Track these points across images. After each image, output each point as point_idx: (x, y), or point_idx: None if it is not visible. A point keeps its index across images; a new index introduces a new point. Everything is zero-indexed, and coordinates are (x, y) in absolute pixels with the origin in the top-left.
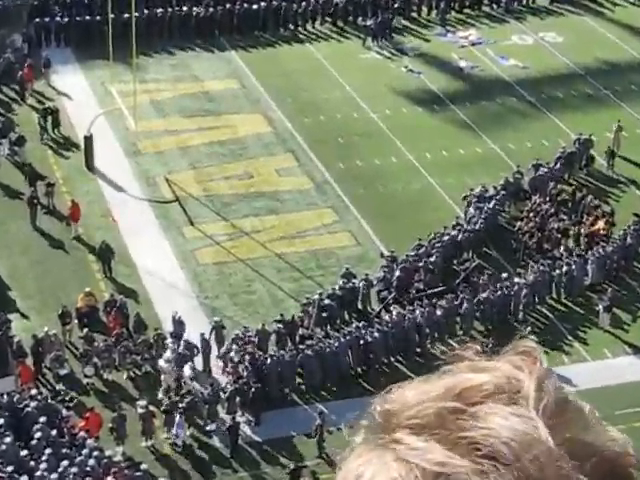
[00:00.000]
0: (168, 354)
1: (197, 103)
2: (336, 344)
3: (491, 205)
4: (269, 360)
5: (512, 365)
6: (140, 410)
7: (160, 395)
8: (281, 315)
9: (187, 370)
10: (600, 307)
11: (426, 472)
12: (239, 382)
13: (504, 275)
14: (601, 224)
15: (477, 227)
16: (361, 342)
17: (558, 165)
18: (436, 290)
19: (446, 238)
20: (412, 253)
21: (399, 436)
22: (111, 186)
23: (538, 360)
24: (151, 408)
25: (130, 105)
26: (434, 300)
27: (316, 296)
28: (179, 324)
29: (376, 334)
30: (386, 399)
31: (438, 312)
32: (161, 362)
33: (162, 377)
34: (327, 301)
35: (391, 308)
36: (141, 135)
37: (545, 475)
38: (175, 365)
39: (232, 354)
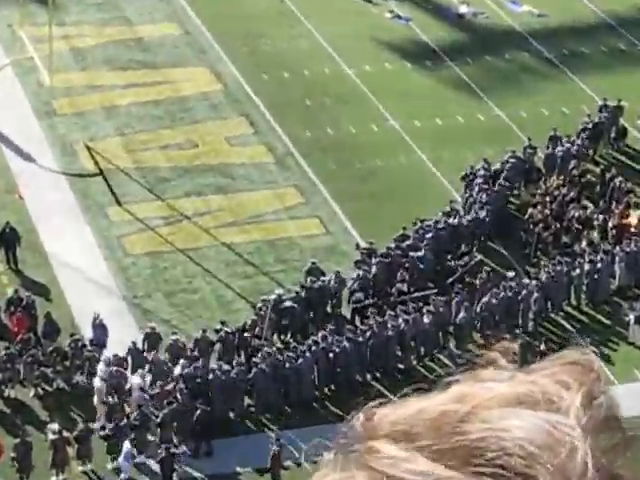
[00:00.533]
0: (102, 368)
1: (128, 53)
2: (298, 358)
3: (497, 187)
4: (211, 376)
5: (555, 380)
6: (51, 436)
7: (100, 421)
8: (222, 323)
9: (136, 379)
10: (631, 317)
11: None
12: (176, 403)
13: (510, 274)
14: (635, 218)
15: (479, 214)
16: (329, 355)
17: (581, 139)
18: (424, 293)
19: (440, 227)
20: (394, 245)
21: (374, 444)
22: (18, 155)
23: (595, 374)
24: (65, 434)
25: (44, 54)
26: (421, 305)
27: (273, 296)
28: (101, 329)
29: (347, 345)
30: (371, 409)
31: (425, 319)
32: (97, 382)
33: (96, 399)
34: (288, 303)
35: (368, 314)
36: (57, 92)
37: None
38: (111, 381)
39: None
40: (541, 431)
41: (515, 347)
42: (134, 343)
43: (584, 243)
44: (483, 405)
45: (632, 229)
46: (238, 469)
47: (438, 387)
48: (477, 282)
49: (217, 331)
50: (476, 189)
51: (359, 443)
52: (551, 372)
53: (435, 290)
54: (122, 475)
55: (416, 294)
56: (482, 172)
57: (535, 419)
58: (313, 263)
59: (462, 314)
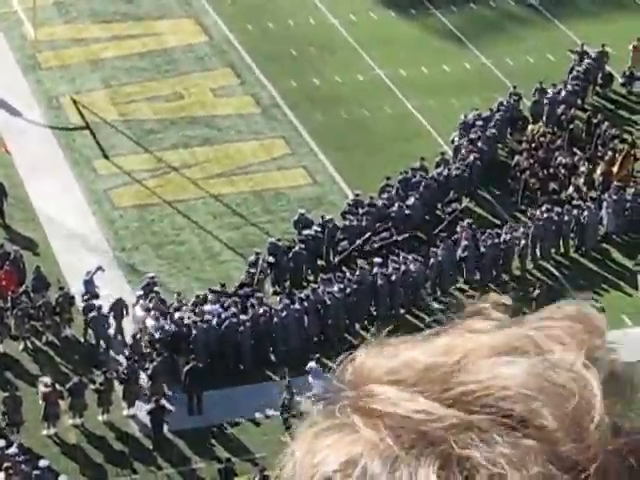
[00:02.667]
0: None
1: (112, 5)
2: (284, 310)
3: (489, 133)
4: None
5: (549, 334)
6: (43, 389)
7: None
8: (222, 285)
9: (149, 321)
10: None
11: (402, 437)
12: (162, 355)
13: (500, 222)
14: (615, 166)
15: (467, 162)
16: (318, 306)
17: (571, 85)
18: (402, 237)
19: (429, 177)
20: (385, 196)
21: (372, 388)
22: (3, 109)
23: (598, 332)
24: (57, 387)
25: (28, 6)
26: (404, 253)
27: (268, 244)
28: (90, 283)
29: (336, 294)
30: (359, 355)
31: (412, 267)
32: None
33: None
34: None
35: (354, 262)
36: (42, 45)
37: (583, 449)
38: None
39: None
40: (545, 376)
41: (505, 299)
42: (140, 294)
43: (570, 189)
44: (474, 354)
45: (613, 178)
46: (229, 420)
47: (426, 335)
48: (459, 229)
49: (213, 291)
50: (468, 137)
51: (352, 390)
52: (546, 325)
53: (409, 234)
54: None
55: (395, 238)
56: (471, 119)
57: (540, 364)
58: (301, 214)
59: (446, 261)
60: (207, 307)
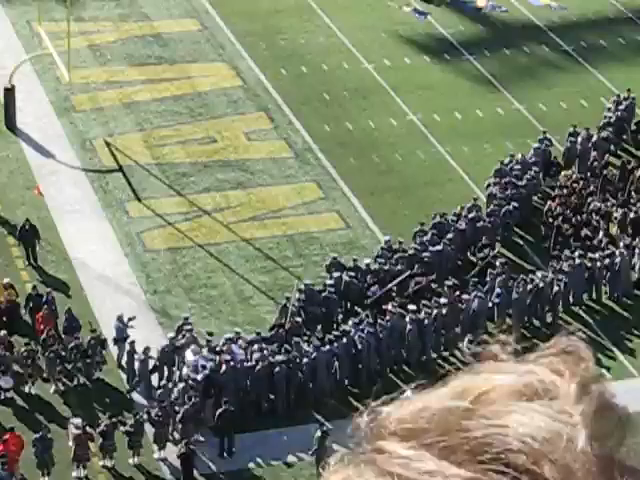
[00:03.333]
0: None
1: (147, 48)
2: (314, 353)
3: (525, 181)
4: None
5: (550, 368)
6: (74, 431)
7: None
8: (257, 334)
9: (189, 355)
10: None
11: None
12: (197, 399)
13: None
14: None
15: (504, 210)
16: (351, 349)
17: (605, 132)
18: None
19: (461, 222)
20: (417, 241)
21: (383, 444)
22: (37, 151)
23: (586, 362)
24: (88, 429)
25: (63, 50)
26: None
27: (302, 286)
28: (122, 327)
29: (367, 339)
30: (376, 408)
31: (444, 311)
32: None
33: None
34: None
35: (386, 307)
36: (76, 88)
37: None
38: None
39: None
40: (541, 425)
41: (511, 339)
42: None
43: (601, 234)
44: (483, 400)
45: None
46: (257, 465)
47: (440, 383)
48: (491, 274)
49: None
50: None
51: (367, 443)
52: (546, 361)
53: (433, 277)
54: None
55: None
56: (505, 166)
57: (535, 412)
58: (334, 258)
59: (477, 306)
60: (237, 349)
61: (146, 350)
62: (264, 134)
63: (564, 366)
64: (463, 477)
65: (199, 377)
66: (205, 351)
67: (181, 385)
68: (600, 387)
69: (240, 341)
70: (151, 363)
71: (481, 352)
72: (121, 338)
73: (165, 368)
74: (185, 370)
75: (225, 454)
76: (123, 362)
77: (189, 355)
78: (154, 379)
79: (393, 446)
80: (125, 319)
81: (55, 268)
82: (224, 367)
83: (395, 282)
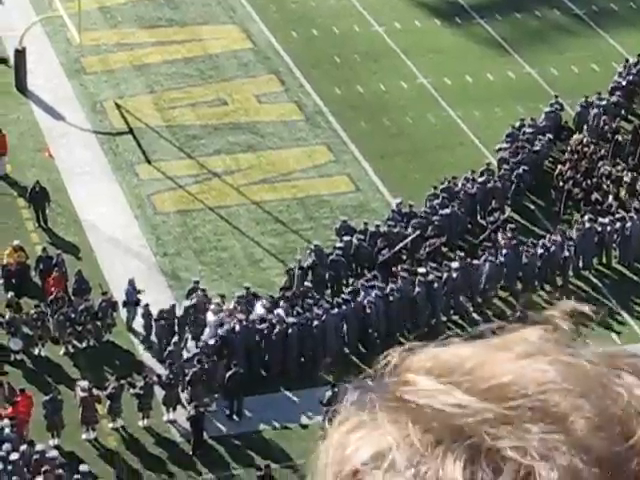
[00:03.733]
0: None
1: (157, 10)
2: (324, 316)
3: (538, 146)
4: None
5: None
6: (80, 393)
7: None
8: (271, 297)
9: (210, 316)
10: None
11: (430, 431)
12: (207, 361)
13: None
14: None
15: (515, 173)
16: (360, 313)
17: (616, 96)
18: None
19: (471, 185)
20: (427, 205)
21: (410, 377)
22: (48, 113)
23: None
24: (94, 391)
25: (73, 11)
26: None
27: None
28: (132, 291)
29: (376, 302)
30: (405, 350)
31: (454, 275)
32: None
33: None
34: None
35: (396, 270)
36: (86, 49)
37: (624, 448)
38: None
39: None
40: (589, 376)
41: (582, 307)
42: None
43: (610, 199)
44: (521, 353)
45: None
46: (267, 427)
47: (478, 335)
48: (501, 238)
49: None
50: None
51: (390, 376)
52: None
53: (444, 239)
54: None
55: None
56: (520, 130)
57: (580, 358)
58: (344, 221)
59: (487, 270)
60: (257, 310)
61: (161, 313)
62: (275, 97)
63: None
64: (492, 411)
65: (211, 341)
66: (225, 310)
67: (192, 347)
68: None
69: (264, 301)
70: (166, 326)
71: (538, 315)
72: (131, 302)
73: (181, 330)
74: (207, 330)
75: (234, 416)
76: (133, 325)
77: (210, 316)
78: (168, 342)
79: (421, 379)
80: (136, 284)
81: (65, 230)
82: (237, 327)
83: (404, 242)
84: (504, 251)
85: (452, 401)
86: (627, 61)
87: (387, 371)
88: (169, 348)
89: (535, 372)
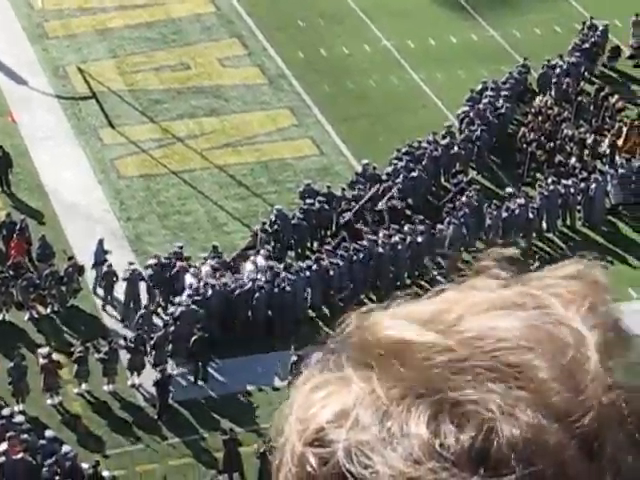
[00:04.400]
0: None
1: None
2: (291, 279)
3: (498, 105)
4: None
5: (550, 292)
6: (41, 360)
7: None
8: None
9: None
10: None
11: (395, 388)
12: (172, 325)
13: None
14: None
15: (475, 135)
16: (324, 276)
17: (575, 57)
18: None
19: (435, 148)
20: (390, 168)
21: (380, 318)
22: (10, 77)
23: (600, 287)
24: (54, 357)
25: None
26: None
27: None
28: (101, 251)
29: (341, 264)
30: (364, 311)
31: (419, 239)
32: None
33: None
34: (294, 220)
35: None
36: (48, 14)
37: (577, 401)
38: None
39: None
40: (539, 327)
41: (512, 253)
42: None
43: (574, 161)
44: (474, 309)
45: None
46: (233, 390)
47: (429, 294)
48: (463, 200)
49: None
50: (476, 109)
51: (354, 337)
52: (548, 284)
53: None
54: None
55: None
56: (479, 91)
57: (531, 316)
58: (307, 184)
59: (451, 233)
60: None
61: (133, 274)
62: (238, 60)
63: (570, 292)
64: (458, 353)
65: (181, 307)
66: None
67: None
68: (614, 314)
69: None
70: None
71: (472, 264)
72: (99, 262)
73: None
74: (186, 292)
75: (199, 381)
76: (98, 287)
77: (188, 278)
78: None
79: (393, 320)
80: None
81: (28, 195)
82: (210, 291)
83: (363, 201)
84: (463, 211)
85: (422, 338)
86: (584, 23)
87: (348, 332)
88: (140, 312)
89: (493, 329)
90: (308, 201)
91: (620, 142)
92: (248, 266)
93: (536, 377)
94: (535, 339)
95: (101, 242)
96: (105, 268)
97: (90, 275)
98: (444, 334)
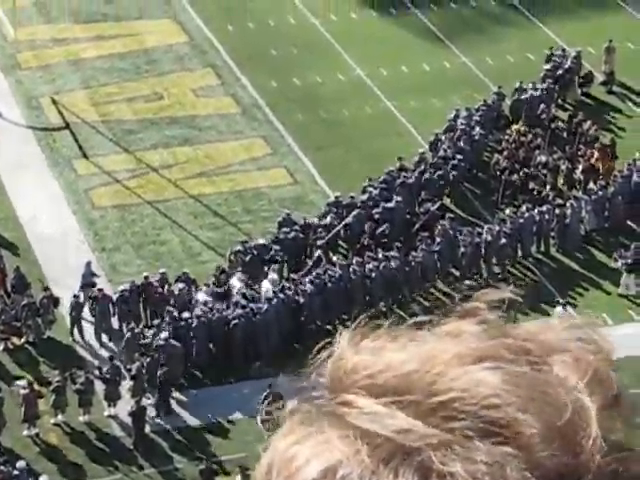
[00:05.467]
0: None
1: (92, 5)
2: (265, 306)
3: (473, 133)
4: (195, 322)
5: (548, 350)
6: (21, 391)
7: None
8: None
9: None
10: (620, 264)
11: (380, 448)
12: (149, 356)
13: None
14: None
15: (451, 163)
16: (293, 304)
17: (547, 84)
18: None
19: (409, 176)
20: (364, 197)
21: (352, 398)
22: None
23: (604, 353)
24: (35, 387)
25: (8, 7)
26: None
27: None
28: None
29: (311, 290)
30: (338, 356)
31: (392, 264)
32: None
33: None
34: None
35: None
36: (21, 45)
37: (574, 463)
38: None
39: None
40: (532, 386)
41: (506, 296)
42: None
43: (548, 188)
44: (458, 361)
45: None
46: (208, 420)
47: (410, 327)
48: (437, 228)
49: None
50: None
51: (330, 393)
52: (548, 341)
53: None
54: None
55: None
56: (461, 120)
57: (523, 373)
58: (287, 214)
59: (424, 260)
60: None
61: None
62: (211, 90)
63: (571, 351)
64: (437, 436)
65: (163, 334)
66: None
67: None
68: (614, 380)
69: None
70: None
71: (462, 306)
72: (88, 284)
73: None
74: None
75: (162, 414)
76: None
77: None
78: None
79: (362, 400)
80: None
81: (3, 226)
82: (195, 322)
83: (336, 229)
84: (439, 240)
85: (396, 426)
86: (550, 49)
87: (324, 382)
88: (127, 335)
89: (479, 384)
90: (284, 229)
91: (598, 165)
92: (235, 282)
93: (526, 435)
94: (527, 396)
95: (89, 264)
96: (95, 291)
97: (65, 307)
98: (421, 409)
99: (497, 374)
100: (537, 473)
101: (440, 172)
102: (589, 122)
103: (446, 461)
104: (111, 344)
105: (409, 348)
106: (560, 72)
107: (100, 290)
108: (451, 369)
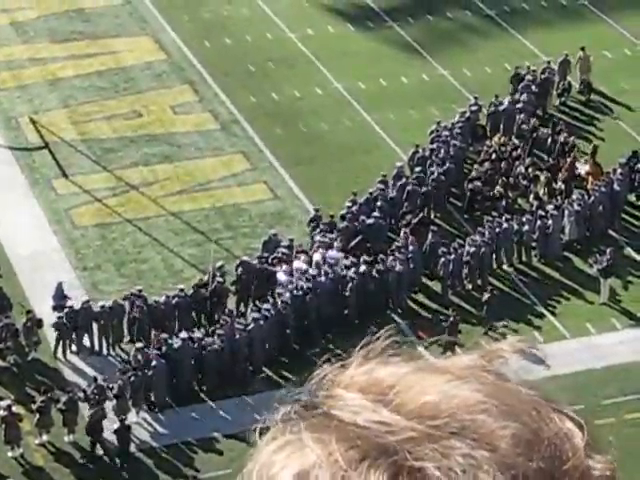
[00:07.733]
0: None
1: (69, 24)
2: (251, 325)
3: (454, 147)
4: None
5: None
6: (2, 412)
7: None
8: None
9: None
10: (595, 270)
11: (354, 449)
12: (132, 374)
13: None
14: (585, 168)
15: (432, 177)
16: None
17: (527, 94)
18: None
19: (391, 190)
20: (346, 212)
21: (339, 393)
22: None
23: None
24: (15, 409)
25: None
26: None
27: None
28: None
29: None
30: (339, 367)
31: (362, 268)
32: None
33: None
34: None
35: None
36: None
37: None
38: None
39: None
40: (522, 399)
41: (534, 350)
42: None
43: (531, 198)
44: (454, 375)
45: (588, 178)
46: (193, 437)
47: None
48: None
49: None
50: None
51: (323, 391)
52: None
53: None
54: None
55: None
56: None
57: (505, 384)
58: (274, 234)
59: (403, 271)
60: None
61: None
62: (189, 107)
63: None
64: (417, 430)
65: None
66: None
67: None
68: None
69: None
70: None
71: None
72: (59, 305)
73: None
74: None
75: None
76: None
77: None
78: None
79: (348, 395)
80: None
81: None
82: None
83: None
84: (411, 248)
85: (376, 418)
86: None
87: (320, 386)
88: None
89: (464, 392)
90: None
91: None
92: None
93: (505, 440)
94: (517, 408)
95: (60, 285)
96: (66, 310)
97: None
98: (404, 409)
99: (486, 387)
100: (510, 475)
101: (420, 185)
102: (567, 132)
103: (420, 456)
104: (95, 362)
105: (404, 365)
106: (539, 82)
107: (86, 303)
108: (443, 381)
